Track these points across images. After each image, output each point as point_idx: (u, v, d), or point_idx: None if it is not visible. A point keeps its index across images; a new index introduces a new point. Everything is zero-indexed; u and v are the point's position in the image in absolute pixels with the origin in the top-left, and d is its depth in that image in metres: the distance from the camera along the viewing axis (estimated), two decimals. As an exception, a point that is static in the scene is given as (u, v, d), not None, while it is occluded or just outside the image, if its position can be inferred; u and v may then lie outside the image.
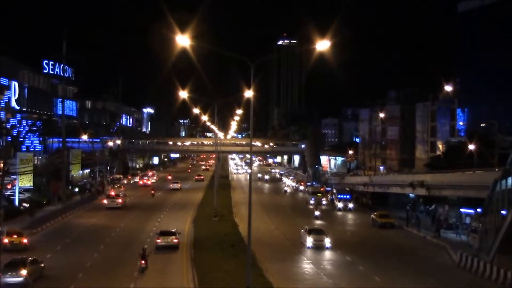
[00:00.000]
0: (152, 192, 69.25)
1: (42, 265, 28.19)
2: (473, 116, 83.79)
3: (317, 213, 53.65)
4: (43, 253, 33.05)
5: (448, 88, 79.11)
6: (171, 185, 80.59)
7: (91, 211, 54.72)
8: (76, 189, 67.02)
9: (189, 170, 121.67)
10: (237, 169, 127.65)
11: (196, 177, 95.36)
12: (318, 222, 50.65)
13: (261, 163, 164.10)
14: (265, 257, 33.75)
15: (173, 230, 37.15)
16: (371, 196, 62.79)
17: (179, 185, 79.53)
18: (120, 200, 57.11)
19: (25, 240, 34.91)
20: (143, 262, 29.30)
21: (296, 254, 36.44)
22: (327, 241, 37.85)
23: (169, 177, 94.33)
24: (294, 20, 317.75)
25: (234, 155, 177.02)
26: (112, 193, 60.84)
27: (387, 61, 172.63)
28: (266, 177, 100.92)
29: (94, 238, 38.97)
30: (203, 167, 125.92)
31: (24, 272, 25.81)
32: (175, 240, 35.73)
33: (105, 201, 57.82)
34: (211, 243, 36.35)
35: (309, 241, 37.73)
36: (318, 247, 37.50)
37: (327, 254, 36.73)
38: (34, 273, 26.82)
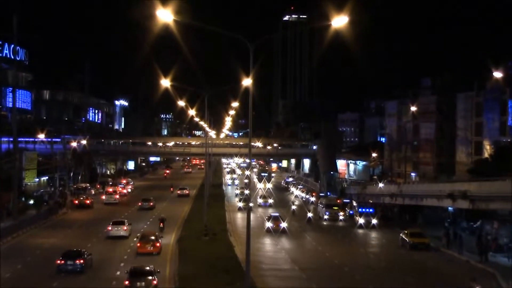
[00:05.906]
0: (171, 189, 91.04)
1: (130, 226, 51.83)
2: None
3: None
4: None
5: (497, 74, 78.78)
6: (185, 169, 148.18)
7: (50, 229, 54.66)
8: (31, 201, 66.91)
9: (187, 167, 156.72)
10: (241, 199, 78.48)
11: (199, 167, 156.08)
12: None
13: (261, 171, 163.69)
14: (268, 285, 33.69)
15: (186, 187, 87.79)
16: (399, 210, 62.76)
17: (190, 169, 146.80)
18: (117, 196, 76.06)
19: None
20: (171, 188, 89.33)
21: (306, 281, 36.32)
22: None
23: (168, 171, 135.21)
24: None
25: (231, 164, 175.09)
26: (110, 190, 79.14)
27: (420, 41, 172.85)
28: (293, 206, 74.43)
29: (53, 263, 38.79)
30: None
31: (125, 227, 49.97)
32: (187, 192, 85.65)
33: (103, 197, 75.55)
34: (201, 268, 36.26)
35: None
36: None
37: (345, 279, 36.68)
38: (130, 229, 50.82)
